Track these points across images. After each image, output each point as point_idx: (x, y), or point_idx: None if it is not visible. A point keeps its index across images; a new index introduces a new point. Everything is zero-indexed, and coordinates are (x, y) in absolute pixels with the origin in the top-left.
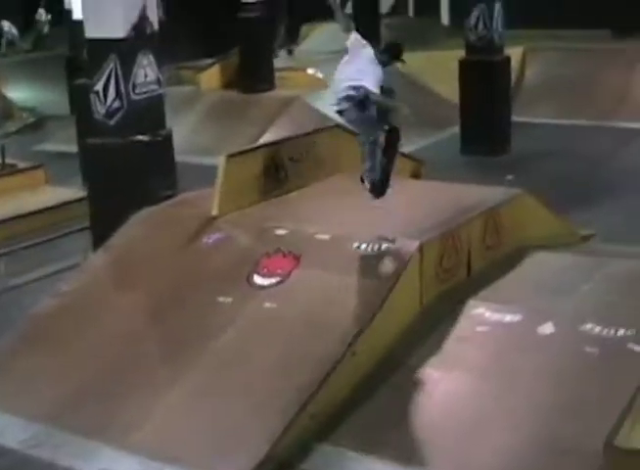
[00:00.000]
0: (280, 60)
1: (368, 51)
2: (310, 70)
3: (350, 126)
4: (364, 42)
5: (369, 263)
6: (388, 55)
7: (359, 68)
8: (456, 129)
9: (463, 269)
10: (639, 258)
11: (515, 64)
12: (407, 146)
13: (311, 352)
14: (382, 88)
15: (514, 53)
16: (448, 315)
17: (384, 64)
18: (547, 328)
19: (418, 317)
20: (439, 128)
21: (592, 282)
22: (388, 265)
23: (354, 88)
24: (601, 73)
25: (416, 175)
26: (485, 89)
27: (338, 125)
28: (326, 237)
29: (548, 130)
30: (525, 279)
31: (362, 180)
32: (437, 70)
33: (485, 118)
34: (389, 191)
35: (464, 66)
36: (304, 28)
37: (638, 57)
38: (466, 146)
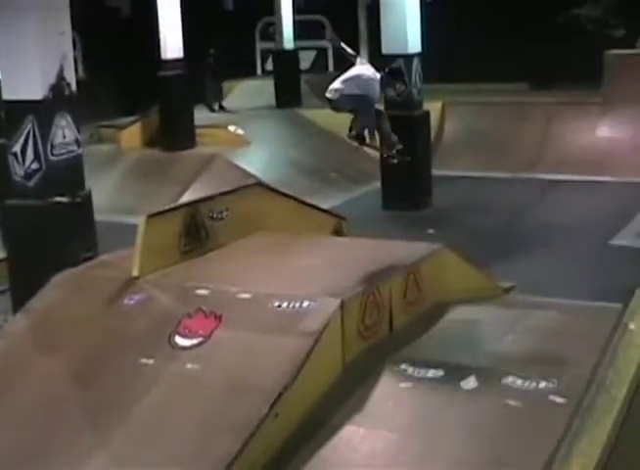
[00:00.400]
0: (213, 115)
1: (374, 71)
2: (231, 127)
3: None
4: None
5: (290, 322)
6: (391, 77)
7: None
8: (378, 184)
9: (385, 326)
10: (557, 309)
11: (434, 118)
12: (329, 201)
13: (234, 414)
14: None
15: (433, 107)
16: (371, 373)
17: (383, 84)
18: (470, 383)
19: (341, 375)
20: (361, 183)
21: (513, 334)
22: (309, 324)
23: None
24: (519, 126)
25: (337, 232)
26: (406, 144)
27: (260, 183)
28: (247, 296)
29: (468, 183)
30: (448, 334)
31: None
32: None
33: (406, 173)
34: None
35: None
36: (225, 86)
37: (555, 110)
38: (387, 201)
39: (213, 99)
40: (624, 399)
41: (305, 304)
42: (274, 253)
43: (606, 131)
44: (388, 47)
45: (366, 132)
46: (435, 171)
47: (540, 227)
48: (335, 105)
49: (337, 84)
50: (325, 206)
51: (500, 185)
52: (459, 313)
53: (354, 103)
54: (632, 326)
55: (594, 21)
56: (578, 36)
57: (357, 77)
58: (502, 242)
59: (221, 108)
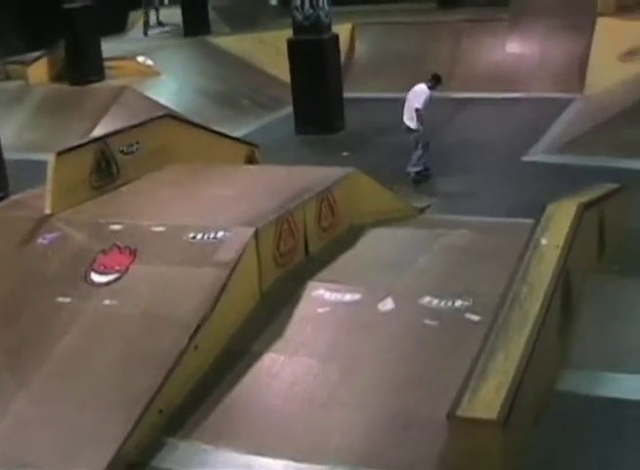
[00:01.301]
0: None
1: (421, 86)
2: (140, 58)
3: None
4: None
5: (206, 253)
6: (434, 81)
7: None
8: (290, 109)
9: (301, 252)
10: (472, 227)
11: (344, 40)
12: (242, 129)
13: (154, 348)
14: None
15: (342, 30)
16: (289, 299)
17: (430, 88)
18: (387, 304)
19: (259, 303)
20: (274, 109)
21: (429, 255)
22: (224, 254)
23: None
24: (429, 46)
25: (250, 160)
26: (315, 68)
27: (169, 115)
28: (161, 229)
29: (381, 104)
30: (363, 257)
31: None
32: (268, 50)
33: (317, 97)
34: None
35: (292, 45)
36: (132, 15)
37: (464, 28)
38: (300, 125)
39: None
40: (537, 315)
41: (220, 234)
42: (187, 184)
43: (515, 48)
44: None
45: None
46: (347, 94)
47: (454, 146)
48: None
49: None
50: (238, 133)
51: None
52: (374, 236)
53: None
54: (544, 241)
55: None
56: None
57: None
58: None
59: (160, 24)
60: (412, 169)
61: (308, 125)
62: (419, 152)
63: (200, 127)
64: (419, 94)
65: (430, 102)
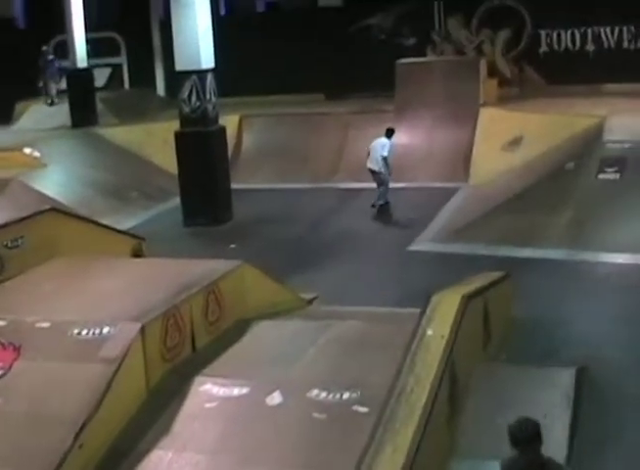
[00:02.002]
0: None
1: (382, 140)
2: (26, 150)
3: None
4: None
5: (91, 349)
6: (390, 133)
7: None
8: (177, 201)
9: (188, 346)
10: (359, 318)
11: (231, 132)
12: (129, 221)
13: (39, 446)
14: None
15: (230, 121)
16: (176, 395)
17: (389, 138)
18: (275, 398)
19: (146, 400)
20: (161, 200)
21: (316, 346)
22: (110, 350)
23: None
24: (317, 137)
25: (137, 253)
26: (202, 160)
27: (54, 208)
28: (46, 325)
29: (268, 195)
30: (251, 351)
31: (373, 205)
32: (156, 142)
33: (205, 189)
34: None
35: (180, 137)
36: (19, 106)
37: (351, 119)
38: (188, 217)
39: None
40: (424, 406)
41: (105, 330)
42: (72, 278)
43: (401, 138)
44: (181, 63)
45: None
46: (235, 185)
47: (341, 236)
48: None
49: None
50: (125, 225)
51: (300, 196)
52: (262, 329)
53: None
54: (430, 332)
55: (386, 30)
56: (372, 46)
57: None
58: (303, 252)
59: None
60: (377, 202)
61: (196, 217)
62: (382, 189)
63: (86, 220)
64: (382, 145)
65: (393, 149)
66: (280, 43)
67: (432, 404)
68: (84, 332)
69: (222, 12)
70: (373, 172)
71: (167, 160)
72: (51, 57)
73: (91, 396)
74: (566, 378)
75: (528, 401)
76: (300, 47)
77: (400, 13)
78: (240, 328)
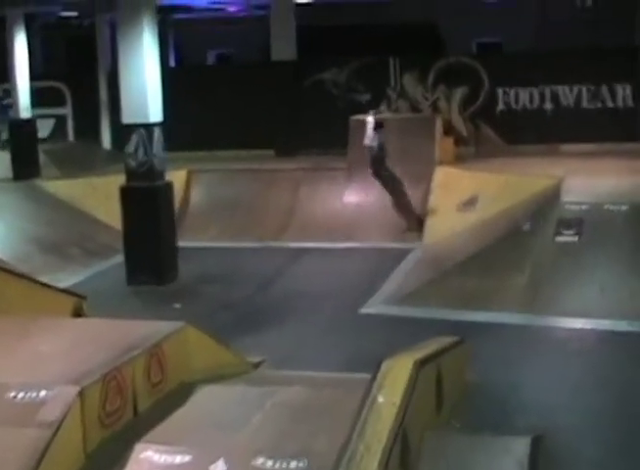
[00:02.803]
0: None
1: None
2: None
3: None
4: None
5: (28, 413)
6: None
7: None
8: (121, 258)
9: (129, 411)
10: (307, 383)
11: (179, 187)
12: (71, 278)
13: None
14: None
15: (177, 177)
16: (115, 462)
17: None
18: (219, 467)
19: (83, 467)
20: (104, 257)
21: (263, 412)
22: (47, 414)
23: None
24: (266, 194)
25: (78, 312)
26: (148, 216)
27: None
28: None
29: (216, 254)
30: (195, 416)
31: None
32: (100, 196)
33: (150, 246)
34: None
35: (125, 192)
36: None
37: (302, 177)
38: (132, 275)
39: None
40: None
41: (42, 393)
42: (8, 338)
43: (353, 197)
44: (128, 116)
45: None
46: (182, 243)
47: (289, 297)
48: None
49: None
50: (66, 283)
51: (249, 255)
52: (206, 393)
53: None
54: (380, 398)
55: (340, 85)
56: (325, 102)
57: None
58: (250, 314)
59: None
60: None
61: (140, 275)
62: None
63: (25, 277)
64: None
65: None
66: (231, 97)
67: None
68: (20, 395)
69: (172, 63)
70: (370, 149)
71: (112, 215)
72: (5, 102)
73: (27, 461)
74: (520, 446)
75: None
76: (252, 101)
77: (355, 68)
78: (183, 392)
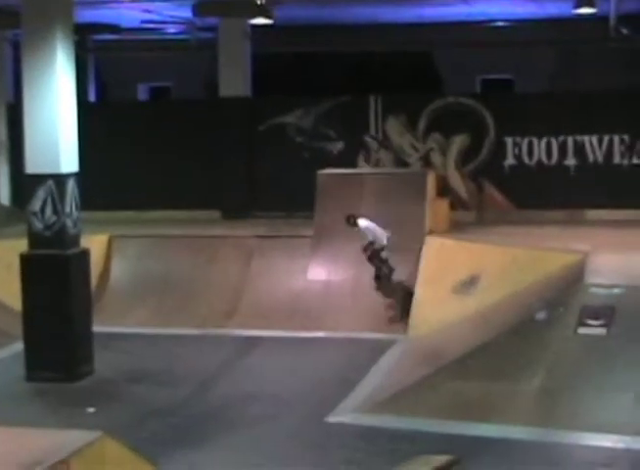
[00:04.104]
0: None
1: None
2: None
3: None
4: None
5: None
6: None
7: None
8: (20, 346)
9: None
10: None
11: (97, 257)
12: None
13: None
14: None
15: (96, 242)
16: None
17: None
18: None
19: None
20: None
21: None
22: None
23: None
24: (209, 267)
25: None
26: (57, 293)
27: None
28: None
29: (144, 343)
30: None
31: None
32: None
33: (58, 332)
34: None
35: (27, 262)
36: None
37: (255, 245)
38: (33, 369)
39: None
40: None
41: None
42: None
43: (320, 273)
44: (34, 164)
45: None
46: (98, 328)
47: (236, 402)
48: None
49: None
50: None
51: (185, 345)
52: None
53: None
54: None
55: (305, 131)
56: (286, 151)
57: None
58: (187, 423)
59: None
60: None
61: (44, 370)
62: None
63: None
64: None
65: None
66: (167, 142)
67: None
68: None
69: (91, 98)
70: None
71: (10, 291)
72: None
73: None
74: None
75: None
76: (193, 149)
77: (325, 109)
78: None
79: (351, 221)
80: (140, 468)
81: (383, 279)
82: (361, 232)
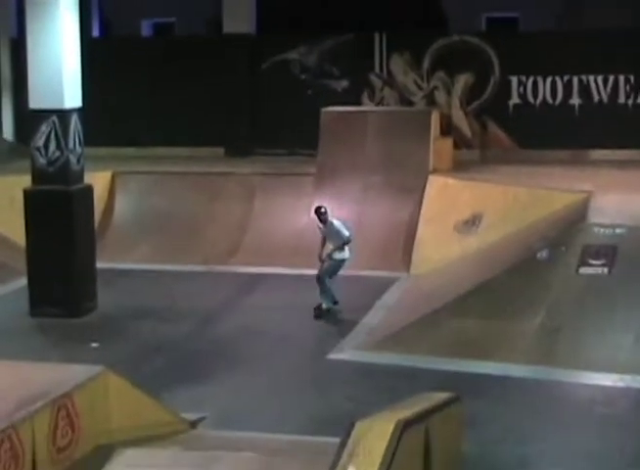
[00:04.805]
0: None
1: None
2: None
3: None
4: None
5: None
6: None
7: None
8: (23, 281)
9: None
10: (258, 448)
11: (101, 193)
12: None
13: None
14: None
15: (99, 179)
16: None
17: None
18: None
19: None
20: (1, 281)
21: None
22: None
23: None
24: (212, 204)
25: None
26: (60, 228)
27: None
28: None
29: (146, 279)
30: None
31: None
32: None
33: (61, 267)
34: None
35: (31, 197)
36: None
37: (258, 183)
38: (36, 304)
39: None
40: None
41: None
42: None
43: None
44: (37, 100)
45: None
46: (102, 264)
47: (239, 337)
48: None
49: None
50: None
51: (188, 281)
52: (128, 459)
53: None
54: (351, 469)
55: (309, 68)
56: (290, 89)
57: None
58: (190, 358)
59: None
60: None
61: (47, 305)
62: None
63: None
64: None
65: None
66: (170, 79)
67: None
68: None
69: (95, 33)
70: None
71: (12, 226)
72: None
73: None
74: None
75: None
76: (197, 85)
77: (329, 46)
78: (99, 458)
79: (322, 215)
80: (143, 402)
81: (323, 314)
82: (328, 229)
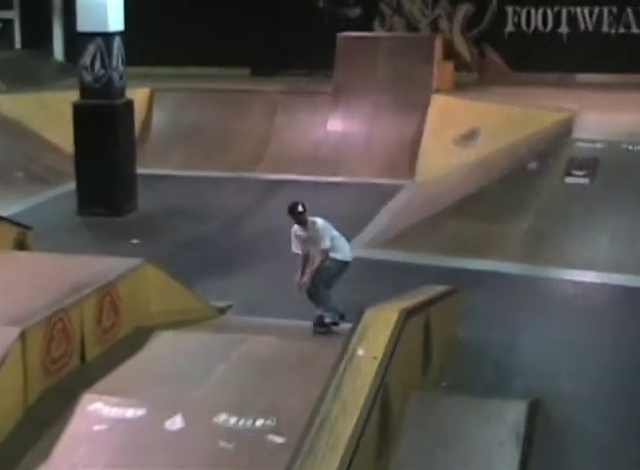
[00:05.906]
0: None
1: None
2: None
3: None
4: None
5: None
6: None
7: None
8: (72, 185)
9: (76, 357)
10: (279, 332)
11: (140, 107)
12: (13, 206)
13: None
14: None
15: (139, 95)
16: (59, 414)
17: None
18: (176, 423)
19: (22, 419)
20: (52, 184)
21: (228, 364)
22: None
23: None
24: (240, 118)
25: (21, 245)
26: (105, 138)
27: None
28: None
29: (181, 184)
30: (150, 366)
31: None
32: (51, 114)
33: (106, 172)
34: None
35: (78, 110)
36: None
37: (280, 100)
38: (83, 205)
39: None
40: (351, 438)
41: None
42: None
43: (338, 125)
44: (84, 23)
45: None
46: (142, 170)
47: (262, 236)
48: None
49: None
50: (7, 212)
51: (218, 186)
52: (164, 341)
53: None
54: (360, 352)
55: None
56: (310, 15)
57: None
58: (218, 253)
59: None
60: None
61: (93, 205)
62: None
63: None
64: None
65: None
66: (201, 5)
67: (359, 436)
68: None
69: None
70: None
71: (63, 136)
72: None
73: None
74: (515, 412)
75: (472, 437)
76: (225, 11)
77: None
78: (139, 338)
79: (299, 214)
80: (178, 291)
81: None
82: (310, 232)
